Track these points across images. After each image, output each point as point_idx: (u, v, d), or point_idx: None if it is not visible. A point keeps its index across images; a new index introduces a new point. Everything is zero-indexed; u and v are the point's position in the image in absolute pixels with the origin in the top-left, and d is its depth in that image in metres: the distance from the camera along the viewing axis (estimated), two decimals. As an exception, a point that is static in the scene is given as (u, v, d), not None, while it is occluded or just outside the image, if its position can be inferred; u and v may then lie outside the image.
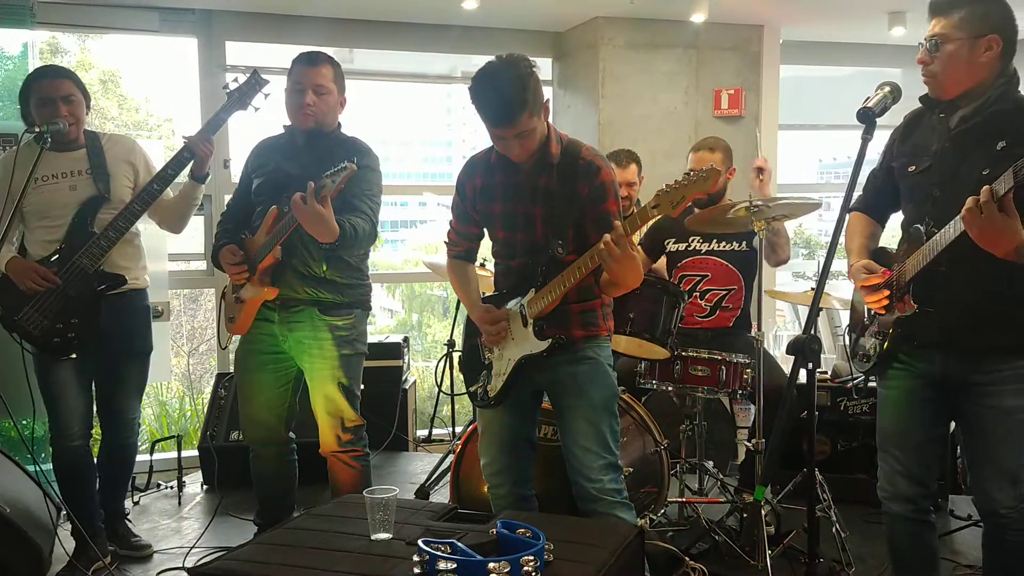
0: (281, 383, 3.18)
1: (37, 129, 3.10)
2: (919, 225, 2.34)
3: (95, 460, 3.49)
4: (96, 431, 3.51)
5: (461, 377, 3.02)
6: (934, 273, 2.28)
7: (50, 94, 3.21)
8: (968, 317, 2.29)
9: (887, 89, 2.30)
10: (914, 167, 2.39)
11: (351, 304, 3.12)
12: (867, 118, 2.14)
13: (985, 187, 2.03)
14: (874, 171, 2.63)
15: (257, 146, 3.25)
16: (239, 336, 3.22)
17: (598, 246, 2.38)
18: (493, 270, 2.87)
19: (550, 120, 2.65)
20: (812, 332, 2.11)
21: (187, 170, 3.38)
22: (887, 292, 2.40)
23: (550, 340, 2.58)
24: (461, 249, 2.89)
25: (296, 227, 2.88)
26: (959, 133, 2.31)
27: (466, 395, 2.94)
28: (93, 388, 3.42)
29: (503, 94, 2.45)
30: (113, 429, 3.47)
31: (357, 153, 3.03)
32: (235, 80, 3.31)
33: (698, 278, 3.89)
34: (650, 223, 2.75)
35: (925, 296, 2.32)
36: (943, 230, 2.21)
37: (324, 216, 2.76)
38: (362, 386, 3.22)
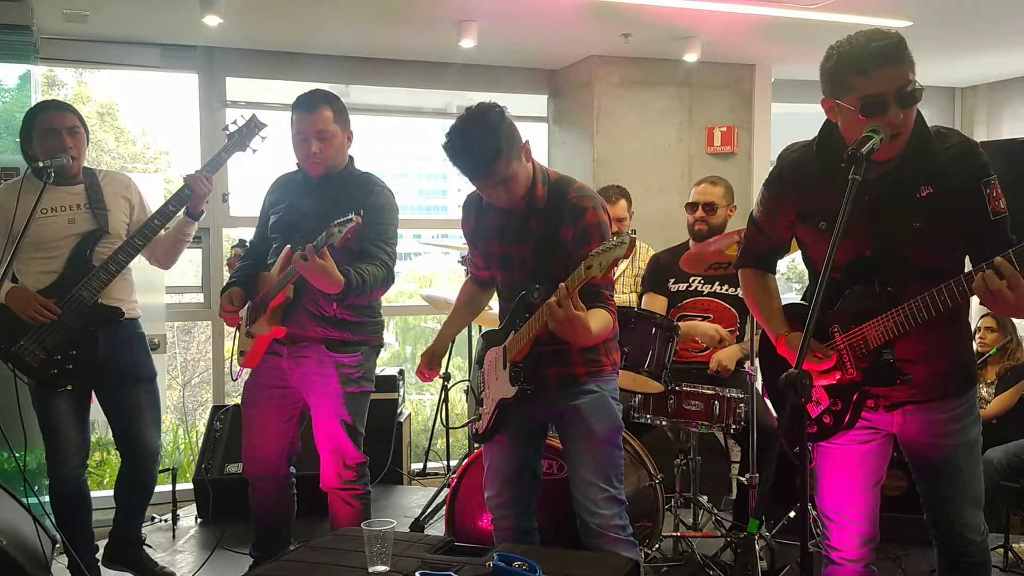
0: (285, 418, 3.20)
1: (41, 164, 3.12)
2: (875, 288, 2.21)
3: (119, 485, 3.49)
4: (88, 465, 3.49)
5: (456, 411, 3.04)
6: (902, 337, 2.18)
7: (55, 125, 3.25)
8: (932, 370, 2.25)
9: (875, 132, 2.31)
10: (824, 224, 2.22)
11: (359, 342, 3.13)
12: (855, 160, 2.12)
13: (989, 274, 1.97)
14: (756, 221, 2.47)
15: (274, 183, 3.29)
16: (248, 369, 3.25)
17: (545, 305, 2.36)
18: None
19: (535, 159, 2.64)
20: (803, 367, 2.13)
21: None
22: (836, 373, 2.27)
23: (517, 387, 2.58)
24: (476, 273, 2.96)
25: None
26: (879, 184, 2.16)
27: (461, 428, 2.97)
28: (107, 421, 3.43)
29: (476, 146, 2.46)
30: (134, 458, 3.44)
31: (371, 191, 3.07)
32: (234, 123, 3.37)
33: (699, 319, 3.94)
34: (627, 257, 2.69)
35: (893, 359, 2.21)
36: (926, 300, 2.08)
37: (327, 269, 2.78)
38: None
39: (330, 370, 3.07)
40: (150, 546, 3.71)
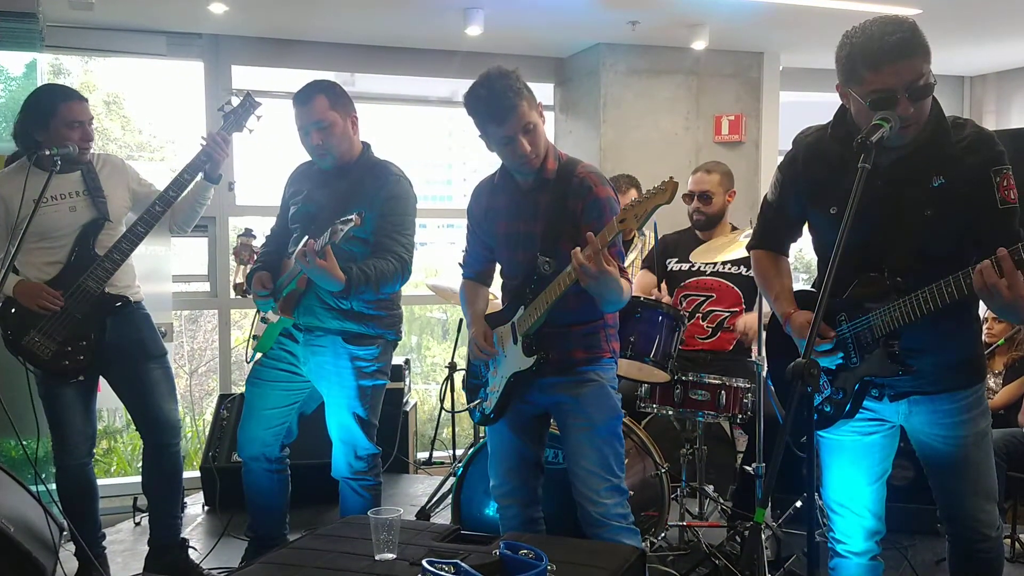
0: (287, 402, 3.21)
1: (48, 152, 3.10)
2: (885, 277, 2.19)
3: (144, 482, 3.46)
4: (95, 453, 3.49)
5: (461, 399, 3.05)
6: (908, 327, 2.15)
7: (79, 117, 3.20)
8: (940, 361, 2.23)
9: (885, 121, 2.29)
10: (835, 209, 2.19)
11: (376, 335, 3.12)
12: (865, 149, 2.10)
13: (987, 267, 1.93)
14: (770, 203, 2.46)
15: (293, 172, 3.29)
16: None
17: (573, 262, 2.35)
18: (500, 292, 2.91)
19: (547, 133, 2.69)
20: (811, 356, 2.12)
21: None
22: (839, 353, 2.26)
23: (535, 356, 2.61)
24: (472, 271, 2.94)
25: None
26: (892, 171, 2.16)
27: (467, 417, 2.97)
28: (123, 403, 3.42)
29: (497, 89, 2.54)
30: (156, 434, 3.38)
31: (386, 181, 3.05)
32: (228, 103, 3.35)
33: (702, 298, 3.92)
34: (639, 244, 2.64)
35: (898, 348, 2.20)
36: (932, 291, 2.06)
37: (326, 269, 2.78)
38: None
39: (345, 362, 3.07)
40: (194, 548, 3.61)
